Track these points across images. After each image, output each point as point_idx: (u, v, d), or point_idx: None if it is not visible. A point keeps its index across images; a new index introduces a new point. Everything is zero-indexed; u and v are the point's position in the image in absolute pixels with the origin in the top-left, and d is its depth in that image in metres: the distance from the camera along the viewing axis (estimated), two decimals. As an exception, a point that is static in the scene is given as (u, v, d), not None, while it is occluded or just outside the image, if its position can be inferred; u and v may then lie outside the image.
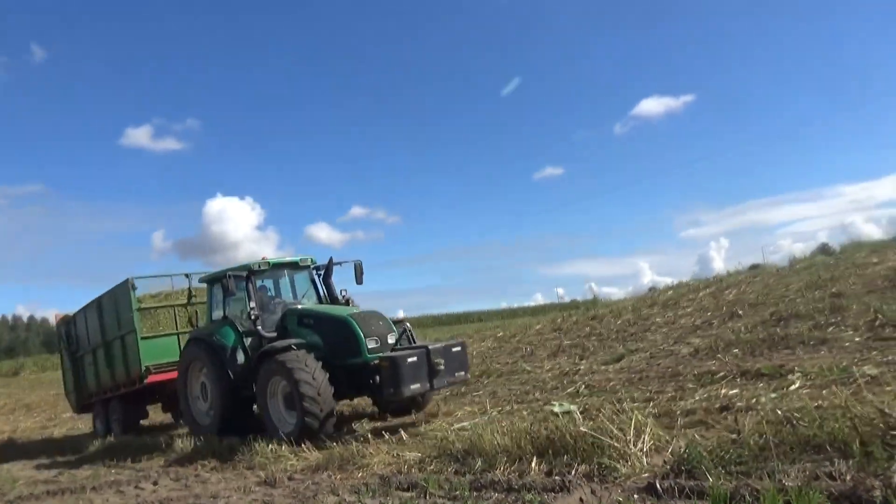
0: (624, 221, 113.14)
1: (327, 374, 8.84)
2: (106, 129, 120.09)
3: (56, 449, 13.07)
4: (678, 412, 6.86)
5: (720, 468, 4.60)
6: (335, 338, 9.47)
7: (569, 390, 9.88)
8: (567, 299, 51.74)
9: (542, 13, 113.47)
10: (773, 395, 6.70)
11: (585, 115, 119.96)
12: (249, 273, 10.35)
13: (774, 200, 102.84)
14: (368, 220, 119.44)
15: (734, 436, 5.21)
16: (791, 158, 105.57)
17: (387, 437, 8.24)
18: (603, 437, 5.43)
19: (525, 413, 8.37)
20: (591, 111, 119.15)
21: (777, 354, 9.16)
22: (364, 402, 11.48)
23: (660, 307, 17.43)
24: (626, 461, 5.14)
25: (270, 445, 8.48)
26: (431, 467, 6.38)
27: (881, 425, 4.48)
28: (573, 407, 7.76)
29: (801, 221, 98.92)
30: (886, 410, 4.59)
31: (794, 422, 4.96)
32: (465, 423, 8.31)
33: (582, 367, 11.88)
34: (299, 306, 10.67)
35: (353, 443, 7.72)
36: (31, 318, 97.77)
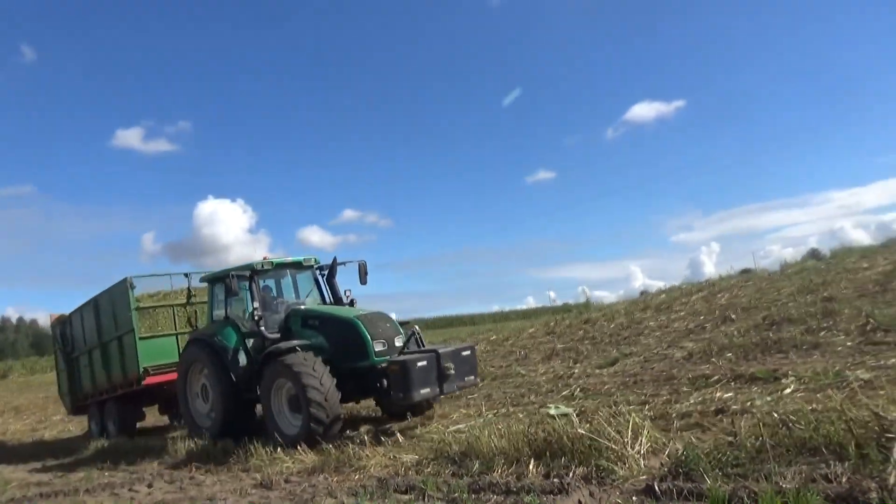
0: (615, 225, 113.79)
1: (334, 380, 8.68)
2: (96, 131, 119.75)
3: (48, 451, 12.96)
4: (674, 415, 6.90)
5: (717, 470, 4.64)
6: (341, 340, 9.31)
7: (564, 393, 9.91)
8: (559, 303, 51.74)
9: (535, 19, 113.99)
10: (767, 399, 6.76)
11: (578, 119, 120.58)
12: (253, 273, 10.18)
13: (764, 206, 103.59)
14: (361, 223, 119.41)
15: (730, 438, 5.26)
16: (781, 164, 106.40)
17: (383, 439, 8.23)
18: (600, 440, 5.46)
19: (521, 416, 8.39)
20: (583, 116, 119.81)
21: (770, 358, 9.24)
22: (360, 406, 11.45)
23: (653, 311, 17.50)
24: (624, 463, 5.17)
25: (266, 448, 8.46)
26: (429, 469, 6.39)
27: (876, 428, 4.54)
28: (569, 410, 7.79)
29: (790, 227, 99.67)
30: (881, 414, 4.64)
31: (790, 424, 5.01)
32: (460, 426, 8.33)
33: (576, 371, 11.92)
34: (302, 307, 10.50)
35: (350, 445, 7.73)
36: (20, 319, 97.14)
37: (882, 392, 6.01)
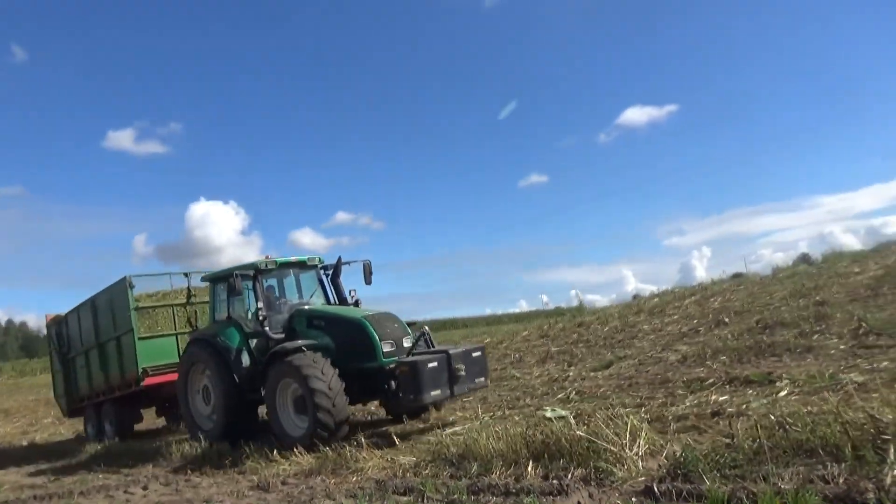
0: (608, 229, 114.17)
1: (342, 382, 8.54)
2: (88, 132, 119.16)
3: (40, 454, 12.89)
4: (670, 418, 6.94)
5: (715, 472, 4.68)
6: (348, 340, 9.17)
7: (559, 396, 9.96)
8: (552, 306, 51.88)
9: (529, 23, 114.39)
10: (762, 402, 6.81)
11: (571, 123, 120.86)
12: (257, 272, 10.05)
13: (755, 210, 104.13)
14: (353, 225, 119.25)
15: (728, 440, 5.29)
16: (772, 169, 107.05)
17: (379, 442, 8.24)
18: (599, 441, 5.49)
19: (517, 418, 8.41)
20: (576, 120, 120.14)
21: (764, 361, 9.31)
22: (355, 409, 11.42)
23: (646, 314, 17.59)
24: (623, 465, 5.20)
25: (262, 449, 8.44)
26: (427, 471, 6.40)
27: (872, 430, 4.59)
28: (565, 412, 7.81)
29: (781, 231, 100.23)
30: (876, 416, 4.69)
31: (787, 427, 5.05)
32: (457, 429, 8.36)
33: (571, 374, 11.98)
34: (307, 307, 10.39)
35: (347, 447, 7.70)
36: (10, 321, 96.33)
37: (876, 395, 6.07)
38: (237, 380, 9.91)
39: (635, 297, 30.05)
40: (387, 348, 8.90)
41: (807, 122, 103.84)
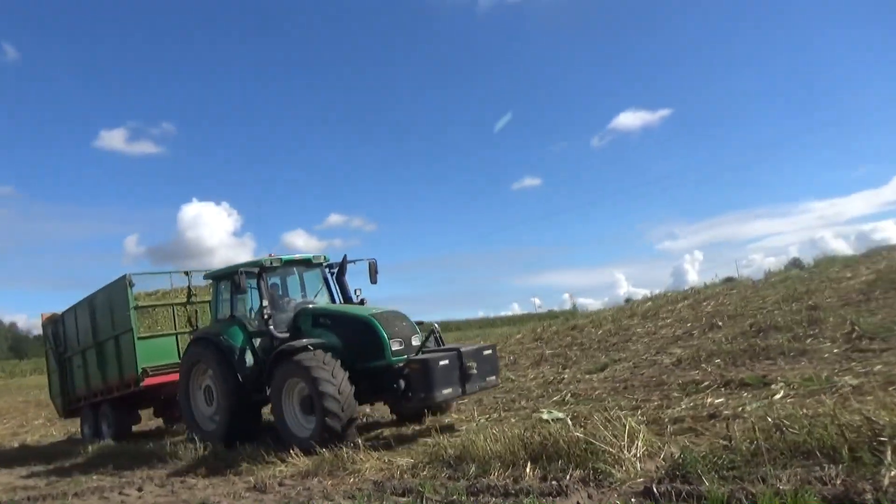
0: (600, 233, 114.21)
1: (351, 384, 8.39)
2: (79, 131, 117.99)
3: (32, 455, 12.75)
4: (666, 420, 6.98)
5: (713, 473, 4.71)
6: (355, 339, 9.02)
7: (554, 398, 9.98)
8: (544, 309, 52.04)
9: (523, 26, 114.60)
10: (757, 405, 6.85)
11: (564, 127, 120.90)
12: (262, 269, 9.91)
13: (747, 215, 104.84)
14: (346, 227, 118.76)
15: (725, 442, 5.32)
16: (764, 174, 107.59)
17: (376, 443, 8.24)
18: (597, 443, 5.52)
19: (514, 421, 8.44)
20: (569, 123, 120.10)
21: (759, 365, 9.36)
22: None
23: (639, 318, 17.68)
24: (621, 466, 5.23)
25: (258, 451, 8.42)
26: (424, 473, 6.40)
27: (868, 432, 4.63)
28: (562, 415, 7.84)
29: (772, 236, 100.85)
30: (873, 418, 4.74)
31: (784, 429, 5.08)
32: (453, 431, 8.38)
33: (566, 376, 12.01)
34: (310, 305, 10.25)
35: (343, 449, 7.68)
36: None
37: (870, 398, 6.12)
38: (241, 379, 9.75)
39: (627, 300, 30.22)
40: (395, 347, 8.75)
41: (798, 127, 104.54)
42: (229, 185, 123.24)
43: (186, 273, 13.08)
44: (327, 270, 10.90)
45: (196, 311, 12.78)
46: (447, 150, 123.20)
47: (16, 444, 16.27)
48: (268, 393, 9.27)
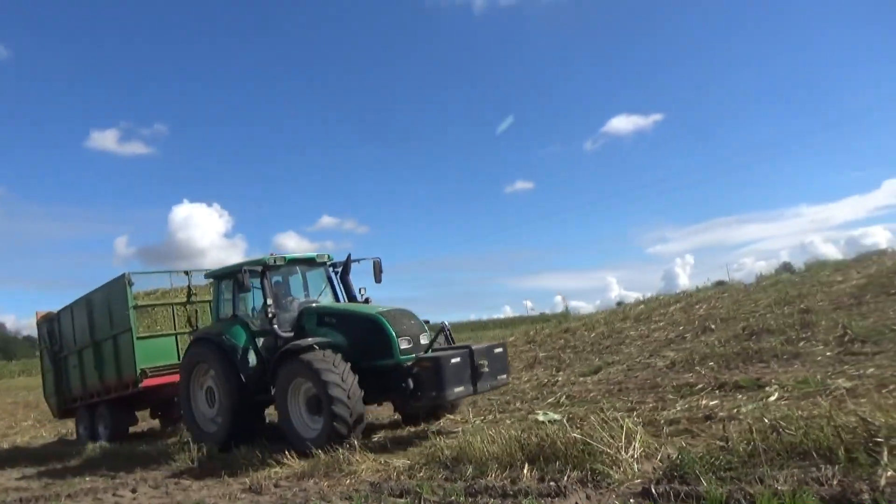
0: (592, 236, 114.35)
1: (357, 377, 8.28)
2: (70, 132, 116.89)
3: (23, 457, 12.64)
4: (662, 422, 7.02)
5: (711, 474, 4.74)
6: (362, 338, 8.88)
7: (549, 400, 10.01)
8: (536, 312, 52.09)
9: (516, 30, 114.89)
10: (753, 406, 6.91)
11: (557, 130, 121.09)
12: (265, 268, 9.77)
13: (738, 219, 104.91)
14: (338, 229, 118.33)
15: (722, 443, 5.36)
16: (755, 179, 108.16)
17: (372, 445, 8.23)
18: (594, 444, 5.54)
19: (509, 422, 8.44)
20: (562, 127, 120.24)
21: (752, 367, 9.43)
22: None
23: (632, 321, 17.76)
24: (619, 467, 5.24)
25: (253, 452, 8.39)
26: (421, 474, 6.38)
27: (864, 434, 4.68)
28: (558, 416, 7.87)
29: (763, 240, 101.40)
30: (868, 419, 4.79)
31: (780, 430, 5.12)
32: (449, 432, 8.39)
33: (560, 379, 12.04)
34: (314, 304, 10.13)
35: (339, 450, 7.66)
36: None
37: (864, 400, 6.19)
38: (244, 380, 9.60)
39: (619, 303, 30.39)
40: (404, 345, 8.62)
41: (789, 133, 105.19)
42: (221, 186, 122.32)
43: (186, 272, 12.92)
44: (331, 269, 10.80)
45: (196, 311, 12.62)
46: (439, 152, 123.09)
47: (6, 446, 16.10)
48: (272, 393, 9.13)
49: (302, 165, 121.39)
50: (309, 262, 10.61)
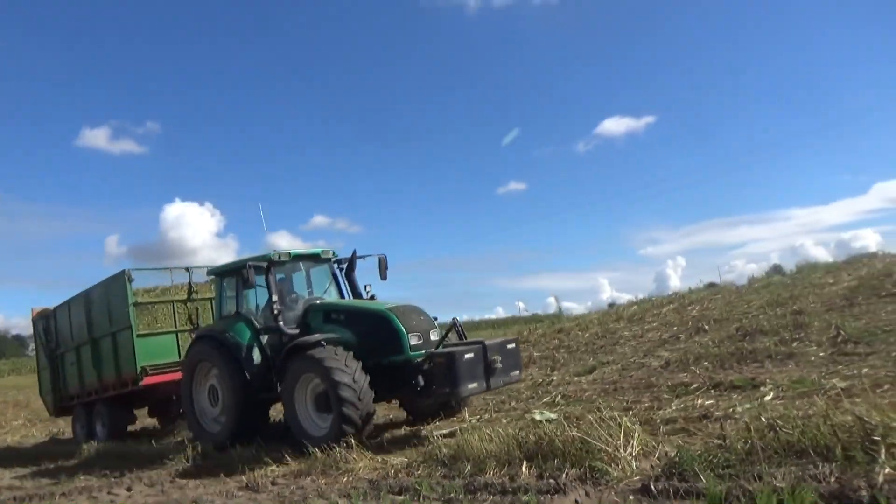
0: (584, 238, 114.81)
1: (367, 376, 8.15)
2: (61, 130, 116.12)
3: (15, 456, 12.58)
4: (658, 420, 7.06)
5: (709, 471, 4.78)
6: (371, 334, 8.75)
7: (545, 400, 10.02)
8: (529, 313, 52.21)
9: (508, 32, 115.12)
10: (749, 405, 6.96)
11: (549, 132, 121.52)
12: (270, 264, 9.63)
13: (729, 221, 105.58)
14: (331, 229, 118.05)
15: (719, 441, 5.41)
16: (746, 181, 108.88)
17: (369, 443, 8.22)
18: (593, 442, 5.57)
19: (505, 421, 8.46)
20: (555, 129, 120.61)
21: (747, 367, 9.48)
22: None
23: (625, 322, 17.85)
24: (617, 465, 5.28)
25: (250, 450, 8.39)
26: (419, 472, 6.42)
27: (860, 432, 4.72)
28: (554, 416, 7.89)
29: (754, 243, 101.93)
30: (865, 418, 4.84)
31: (777, 428, 5.17)
32: (444, 431, 8.39)
33: (555, 378, 12.06)
34: (318, 301, 10.02)
35: (336, 449, 7.65)
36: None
37: (859, 399, 6.24)
38: (248, 378, 9.46)
39: (611, 305, 30.49)
40: (414, 341, 8.48)
41: (780, 136, 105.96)
42: (213, 186, 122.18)
43: (187, 269, 12.81)
44: (335, 266, 10.70)
45: (197, 309, 12.46)
46: (432, 153, 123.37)
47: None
48: (279, 391, 9.03)
49: (294, 165, 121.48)
50: (313, 259, 10.48)
